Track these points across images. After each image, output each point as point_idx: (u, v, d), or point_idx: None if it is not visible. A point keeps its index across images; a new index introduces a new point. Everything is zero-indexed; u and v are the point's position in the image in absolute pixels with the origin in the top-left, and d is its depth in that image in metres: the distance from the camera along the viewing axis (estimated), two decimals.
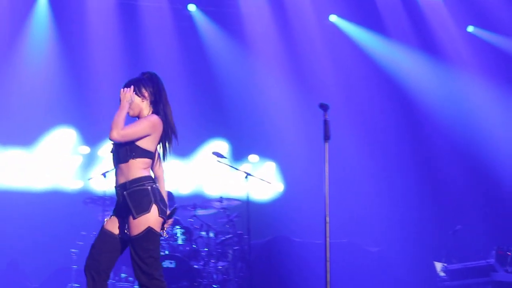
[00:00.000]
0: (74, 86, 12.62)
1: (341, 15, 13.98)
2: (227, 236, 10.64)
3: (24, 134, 12.35)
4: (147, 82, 5.82)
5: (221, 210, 10.90)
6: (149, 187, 5.57)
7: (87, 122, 12.58)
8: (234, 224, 10.79)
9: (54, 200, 12.18)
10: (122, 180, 5.60)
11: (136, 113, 5.78)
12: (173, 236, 10.34)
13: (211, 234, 10.66)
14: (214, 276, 10.34)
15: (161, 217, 5.57)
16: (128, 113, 5.70)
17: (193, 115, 12.75)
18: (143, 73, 5.91)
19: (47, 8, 12.77)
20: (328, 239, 6.46)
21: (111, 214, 5.79)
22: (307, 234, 11.39)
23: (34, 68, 12.58)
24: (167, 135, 5.77)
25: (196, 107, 13.04)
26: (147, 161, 5.64)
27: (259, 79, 13.57)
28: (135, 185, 5.56)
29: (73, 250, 10.59)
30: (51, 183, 12.49)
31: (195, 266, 10.10)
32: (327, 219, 6.51)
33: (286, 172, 13.81)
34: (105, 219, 5.81)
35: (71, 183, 12.56)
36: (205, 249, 10.48)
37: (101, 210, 10.38)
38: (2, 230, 11.67)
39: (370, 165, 13.61)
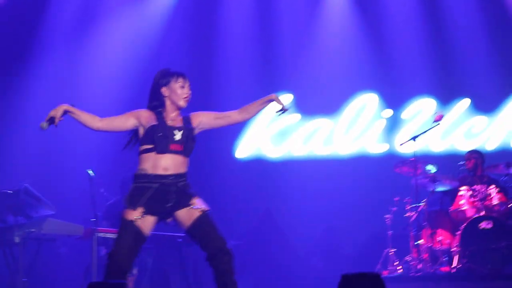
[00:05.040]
0: (372, 49, 12.54)
1: None
2: None
3: (327, 103, 12.54)
4: None
5: None
6: None
7: (389, 85, 12.45)
8: None
9: (361, 165, 12.26)
10: (180, 171, 5.72)
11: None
12: (487, 196, 9.97)
13: None
14: None
15: None
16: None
17: None
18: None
19: None
20: None
21: (143, 213, 5.60)
22: None
23: (336, 32, 12.68)
24: None
25: None
26: None
27: None
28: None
29: (386, 216, 10.56)
30: (356, 149, 12.57)
31: None
32: None
33: None
34: (134, 218, 5.60)
35: (377, 147, 12.55)
36: None
37: (412, 173, 10.15)
38: (315, 196, 11.99)
39: None
